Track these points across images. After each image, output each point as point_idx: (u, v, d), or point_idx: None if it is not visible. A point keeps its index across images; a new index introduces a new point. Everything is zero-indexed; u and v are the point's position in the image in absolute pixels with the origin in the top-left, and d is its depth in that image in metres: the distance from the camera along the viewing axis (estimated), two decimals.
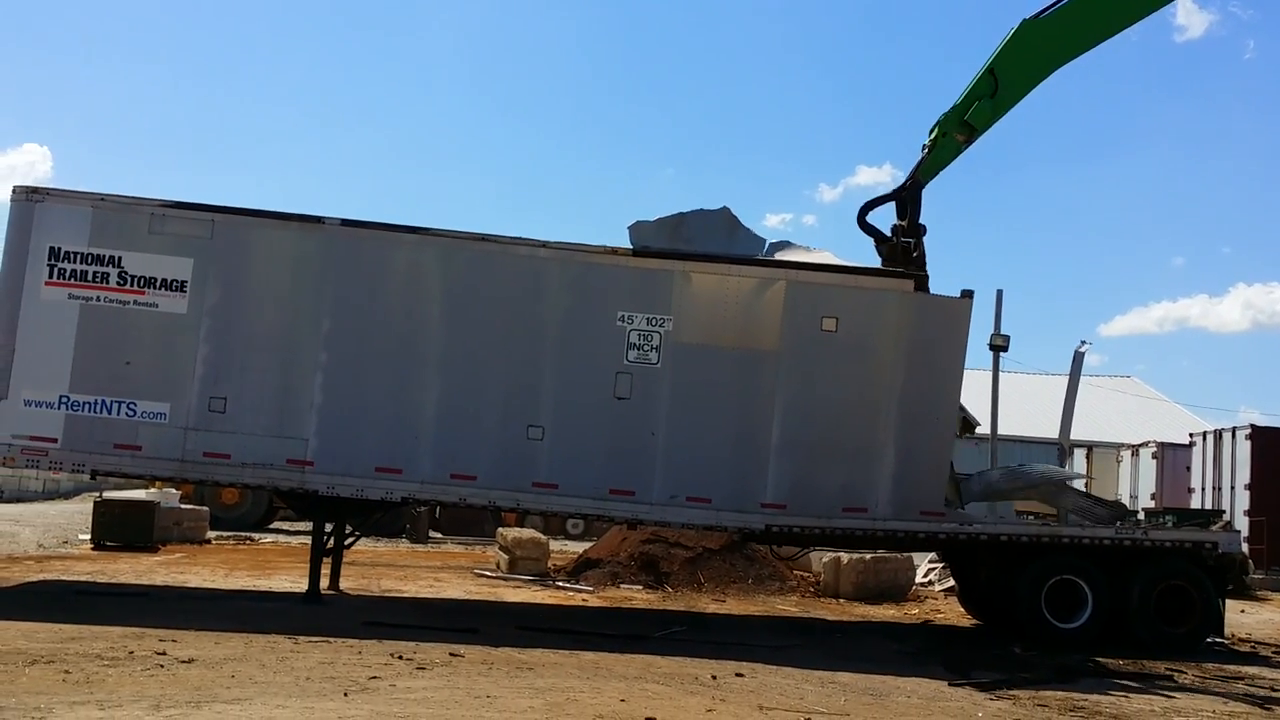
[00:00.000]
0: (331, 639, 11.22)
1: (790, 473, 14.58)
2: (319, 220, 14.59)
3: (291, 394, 14.34)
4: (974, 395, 24.25)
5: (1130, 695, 11.15)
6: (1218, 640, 15.41)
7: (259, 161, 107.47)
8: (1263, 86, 77.19)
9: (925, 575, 21.34)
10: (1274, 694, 11.73)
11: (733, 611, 16.93)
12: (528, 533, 21.61)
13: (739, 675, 10.76)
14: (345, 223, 14.59)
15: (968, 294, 15.15)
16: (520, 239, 14.78)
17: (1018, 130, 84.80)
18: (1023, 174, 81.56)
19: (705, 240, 16.17)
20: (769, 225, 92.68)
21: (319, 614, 13.45)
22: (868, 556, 19.11)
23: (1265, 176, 77.64)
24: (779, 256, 16.02)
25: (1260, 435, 26.01)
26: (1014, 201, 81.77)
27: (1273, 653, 15.41)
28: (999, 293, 30.73)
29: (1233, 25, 78.99)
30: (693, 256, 15.05)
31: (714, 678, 10.54)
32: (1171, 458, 28.88)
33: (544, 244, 14.71)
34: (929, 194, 16.20)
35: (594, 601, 17.19)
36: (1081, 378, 27.07)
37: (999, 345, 31.17)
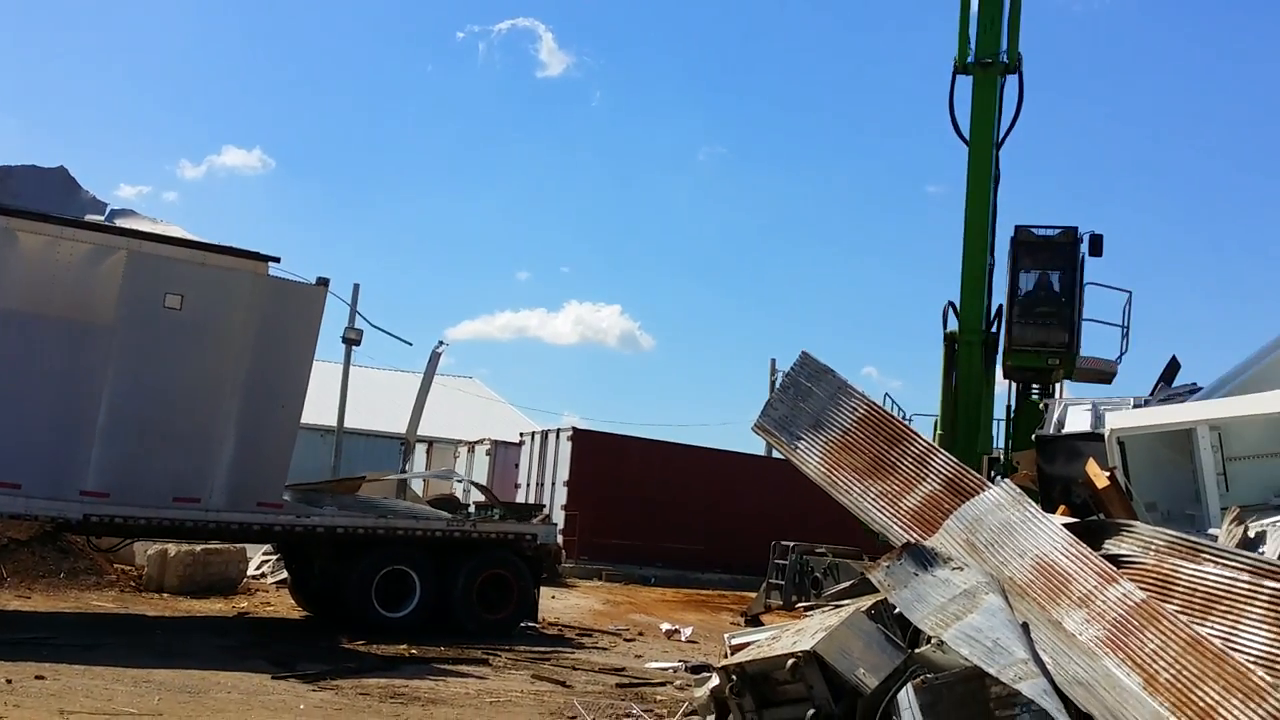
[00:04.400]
0: None
1: (117, 458, 13.49)
2: None
3: None
4: (323, 388, 24.20)
5: (448, 679, 11.63)
6: (531, 624, 16.64)
7: None
8: (607, 129, 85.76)
9: (258, 568, 20.83)
10: (574, 671, 12.87)
11: (39, 608, 15.35)
12: None
13: (39, 678, 9.75)
14: None
15: (323, 282, 15.02)
16: None
17: (404, 158, 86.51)
18: (399, 194, 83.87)
19: (37, 198, 14.53)
20: (123, 195, 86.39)
21: None
22: (198, 548, 18.24)
23: (597, 208, 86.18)
24: (121, 224, 14.82)
25: (579, 437, 28.60)
26: (380, 207, 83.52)
27: (575, 634, 16.94)
28: (355, 286, 30.96)
29: (586, 70, 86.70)
30: (18, 213, 13.42)
31: (9, 681, 9.42)
32: (503, 455, 30.78)
33: None
34: None
35: None
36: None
37: (352, 339, 31.40)
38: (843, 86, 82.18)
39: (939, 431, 18.39)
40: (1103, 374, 18.26)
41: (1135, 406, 14.59)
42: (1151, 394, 15.46)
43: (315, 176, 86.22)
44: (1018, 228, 18.59)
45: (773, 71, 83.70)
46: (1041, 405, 17.25)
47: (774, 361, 39.40)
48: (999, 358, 18.52)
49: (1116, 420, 12.14)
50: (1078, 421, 14.99)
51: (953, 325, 18.61)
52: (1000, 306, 18.72)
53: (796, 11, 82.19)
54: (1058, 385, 18.88)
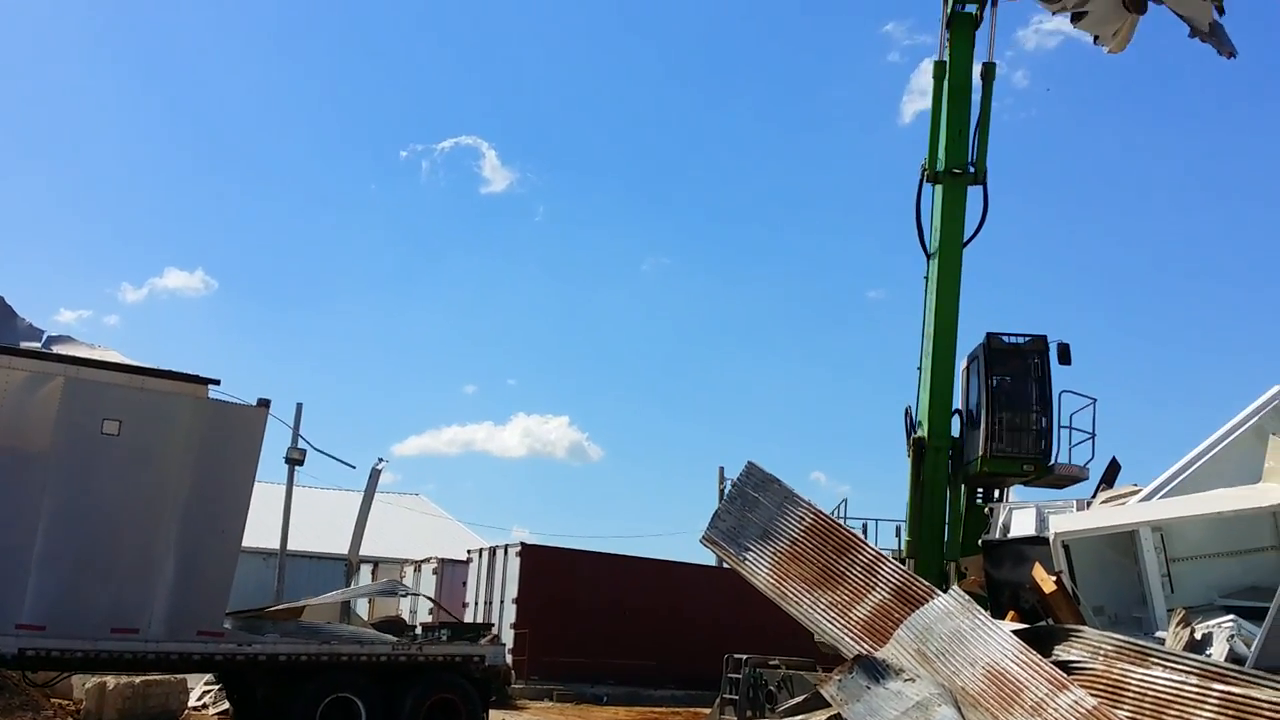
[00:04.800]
0: None
1: (53, 589, 13.12)
2: None
3: None
4: (266, 509, 23.83)
5: None
6: None
7: None
8: (550, 242, 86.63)
9: (200, 698, 20.22)
10: None
11: None
12: None
13: None
14: None
15: (264, 403, 14.88)
16: None
17: (348, 276, 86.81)
18: (344, 311, 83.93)
19: None
20: (63, 320, 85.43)
21: None
22: (138, 680, 17.69)
23: (543, 321, 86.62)
24: (58, 350, 14.67)
25: (528, 553, 28.31)
26: (325, 325, 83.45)
27: None
28: (298, 406, 30.69)
29: (529, 186, 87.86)
30: None
31: None
32: (451, 573, 30.37)
33: None
34: None
35: None
36: (376, 494, 27.81)
37: (295, 459, 31.01)
38: (783, 193, 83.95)
39: (907, 538, 18.39)
40: (1075, 480, 18.45)
41: (1079, 509, 14.76)
42: (1094, 496, 15.64)
43: (259, 296, 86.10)
44: (989, 335, 18.92)
45: (714, 180, 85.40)
46: (987, 510, 17.38)
47: (722, 469, 39.37)
48: (968, 463, 18.73)
49: (1061, 524, 12.26)
50: (1023, 525, 15.13)
51: (918, 431, 18.78)
52: (958, 411, 19.00)
53: (735, 119, 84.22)
54: (1006, 490, 19.07)
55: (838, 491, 75.62)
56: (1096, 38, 17.83)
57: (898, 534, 18.59)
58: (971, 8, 19.07)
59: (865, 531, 19.67)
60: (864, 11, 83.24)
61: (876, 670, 8.16)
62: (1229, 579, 11.48)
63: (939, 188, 18.92)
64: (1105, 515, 12.95)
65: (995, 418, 18.30)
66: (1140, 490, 13.48)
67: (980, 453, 18.24)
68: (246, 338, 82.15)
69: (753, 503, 12.01)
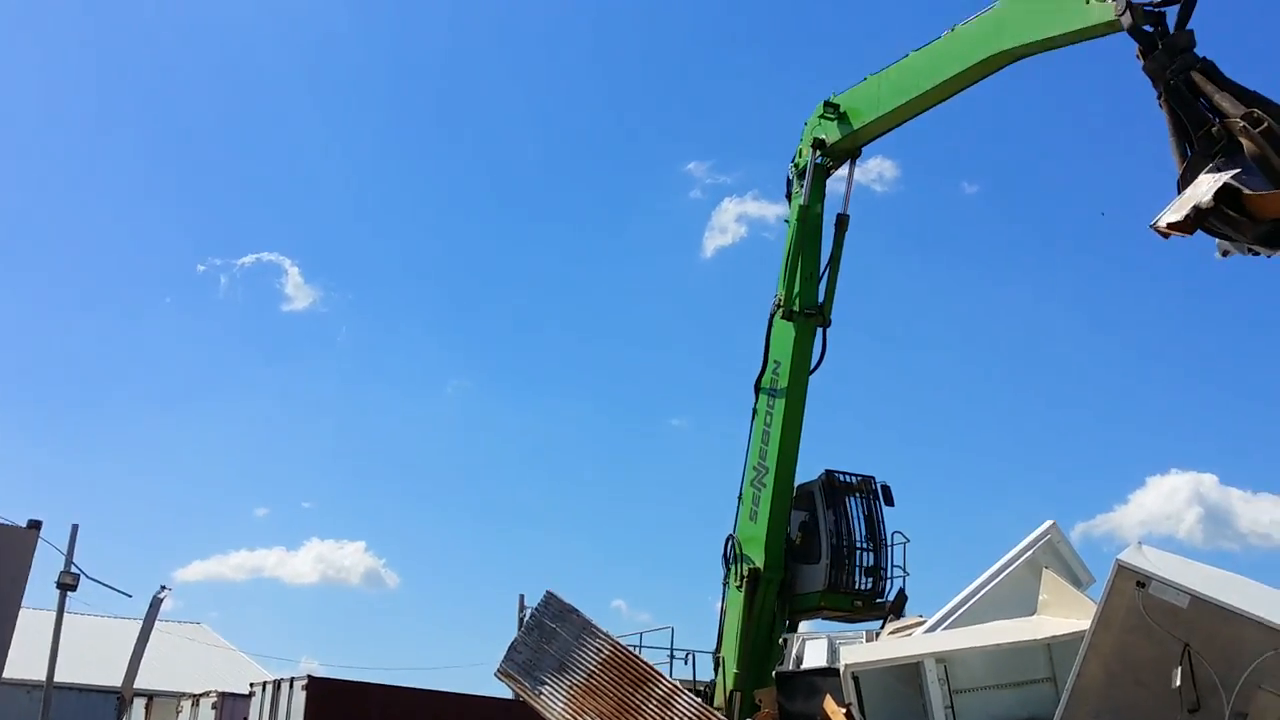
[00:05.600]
0: None
1: None
2: None
3: None
4: (34, 638, 22.24)
5: None
6: None
7: None
8: (352, 363, 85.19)
9: None
10: None
11: None
12: None
13: None
14: None
15: (35, 524, 13.98)
16: None
17: (135, 393, 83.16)
18: (129, 428, 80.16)
19: None
20: None
21: None
22: None
23: (342, 443, 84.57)
24: None
25: (315, 685, 27.03)
26: (107, 440, 79.49)
27: None
28: (74, 528, 29.04)
29: (333, 305, 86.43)
30: None
31: None
32: (231, 708, 28.70)
33: None
34: None
35: None
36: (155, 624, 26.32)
37: (67, 584, 29.18)
38: (588, 322, 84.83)
39: (734, 670, 18.32)
40: (894, 615, 18.93)
41: (868, 640, 15.12)
42: (882, 627, 16.07)
43: (34, 406, 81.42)
44: (828, 472, 19.57)
45: (520, 306, 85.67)
46: (781, 641, 17.61)
47: (522, 597, 38.75)
48: (798, 596, 19.02)
49: (850, 655, 12.52)
50: (815, 656, 15.38)
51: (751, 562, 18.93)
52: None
53: (543, 247, 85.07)
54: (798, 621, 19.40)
55: (640, 620, 75.44)
56: None
57: (720, 666, 18.56)
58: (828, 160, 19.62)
59: (690, 662, 19.79)
60: (668, 151, 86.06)
61: None
62: (1008, 710, 11.87)
63: (789, 325, 19.35)
64: (892, 647, 13.30)
65: (836, 553, 18.80)
66: (925, 621, 13.92)
67: (822, 587, 18.62)
68: (18, 452, 77.37)
69: (550, 634, 11.90)
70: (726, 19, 76.11)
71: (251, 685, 29.33)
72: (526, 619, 12.86)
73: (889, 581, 19.21)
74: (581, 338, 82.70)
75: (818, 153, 19.20)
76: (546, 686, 11.36)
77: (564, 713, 11.12)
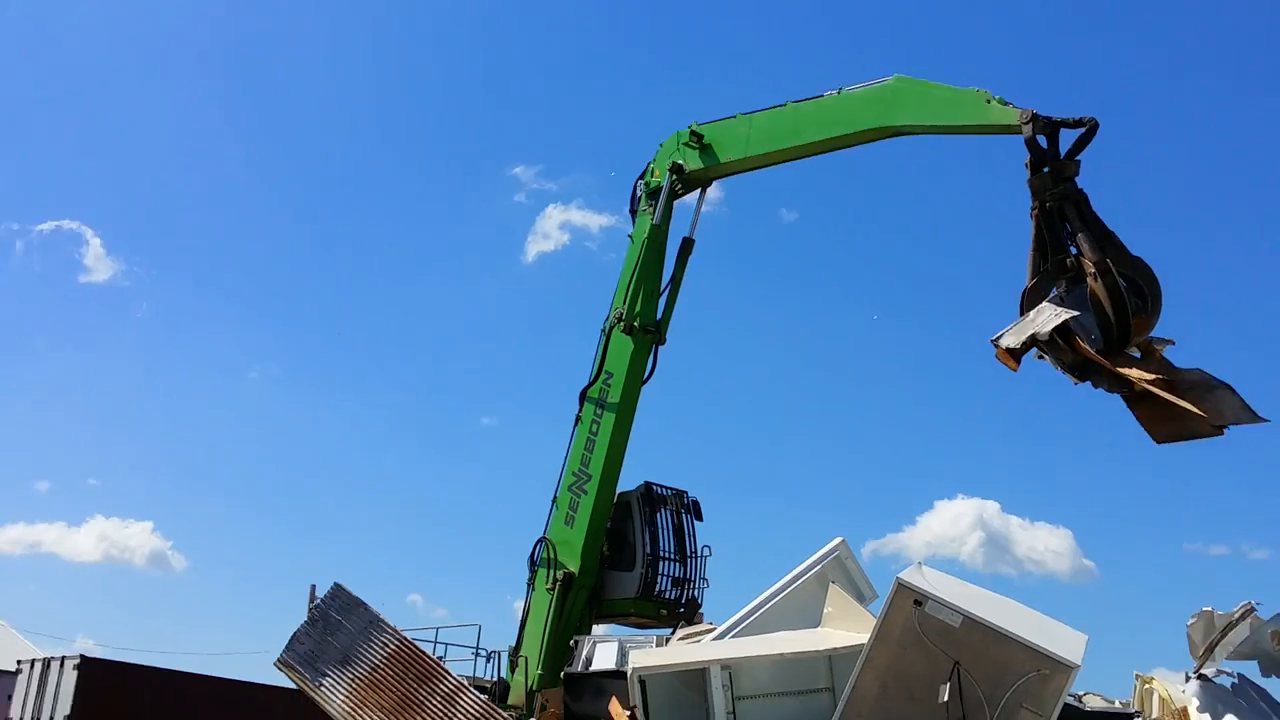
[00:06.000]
0: None
1: None
2: None
3: None
4: None
5: None
6: None
7: None
8: (152, 340, 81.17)
9: None
10: None
11: None
12: None
13: None
14: None
15: None
16: None
17: None
18: None
19: None
20: None
21: None
22: None
23: (135, 421, 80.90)
24: None
25: (88, 665, 25.76)
26: None
27: None
28: None
29: (135, 280, 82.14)
30: None
31: None
32: None
33: None
34: None
35: None
36: None
37: None
38: (400, 321, 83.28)
39: (538, 671, 18.21)
40: (687, 619, 19.21)
41: (658, 645, 15.27)
42: (673, 633, 16.26)
43: None
44: (648, 484, 19.75)
45: (331, 298, 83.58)
46: (572, 642, 17.63)
47: (314, 588, 37.78)
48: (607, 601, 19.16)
49: (638, 659, 12.61)
50: (605, 659, 15.45)
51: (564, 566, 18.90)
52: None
53: (359, 243, 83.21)
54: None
55: (436, 616, 74.53)
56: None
57: (525, 665, 18.41)
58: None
59: (495, 662, 19.68)
60: (495, 154, 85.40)
61: None
62: (788, 718, 12.18)
63: (627, 339, 19.40)
64: (680, 652, 13.47)
65: (650, 563, 18.98)
66: (715, 628, 14.15)
67: (634, 594, 18.80)
68: None
69: (336, 626, 11.63)
70: (563, 26, 76.32)
71: (19, 662, 27.82)
72: (311, 610, 12.51)
73: (697, 592, 19.60)
74: (395, 332, 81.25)
75: (674, 177, 19.33)
76: (328, 679, 11.10)
77: (344, 705, 10.88)
